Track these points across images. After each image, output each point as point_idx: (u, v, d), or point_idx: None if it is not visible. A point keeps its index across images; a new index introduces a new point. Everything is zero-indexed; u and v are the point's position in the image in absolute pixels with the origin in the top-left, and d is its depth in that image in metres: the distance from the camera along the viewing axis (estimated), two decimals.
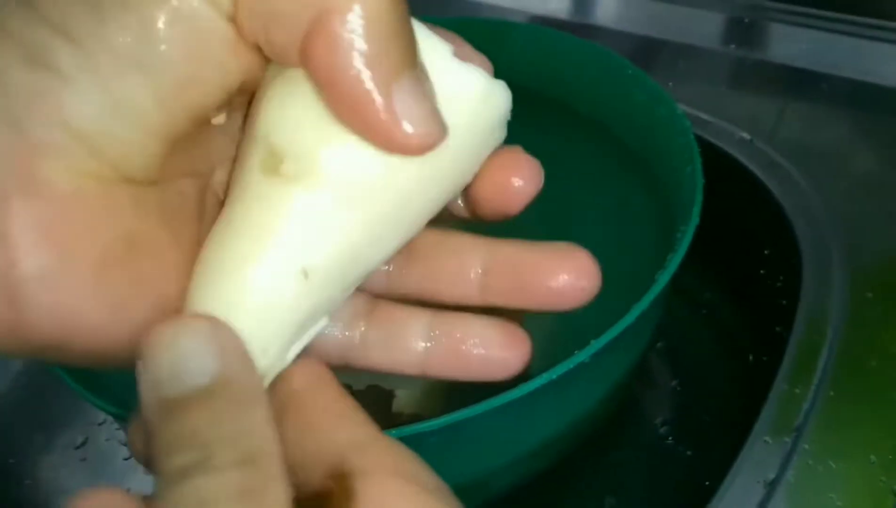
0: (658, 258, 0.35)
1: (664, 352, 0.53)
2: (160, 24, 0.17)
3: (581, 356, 0.30)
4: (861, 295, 0.40)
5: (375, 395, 0.47)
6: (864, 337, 0.37)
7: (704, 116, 0.53)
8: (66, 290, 0.17)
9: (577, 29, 0.66)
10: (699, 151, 0.39)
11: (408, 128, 0.19)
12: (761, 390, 0.36)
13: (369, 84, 0.18)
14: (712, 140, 0.52)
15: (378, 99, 0.18)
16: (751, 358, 0.48)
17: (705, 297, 0.55)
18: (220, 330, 0.18)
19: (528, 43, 0.53)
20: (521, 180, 0.24)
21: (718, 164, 0.50)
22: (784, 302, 0.42)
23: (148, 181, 0.19)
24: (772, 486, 0.32)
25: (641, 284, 0.32)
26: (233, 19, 0.18)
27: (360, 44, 0.18)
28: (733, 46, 0.62)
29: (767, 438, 0.33)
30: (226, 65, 0.18)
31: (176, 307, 0.19)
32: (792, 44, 0.61)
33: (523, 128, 0.52)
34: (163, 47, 0.17)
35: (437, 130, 0.19)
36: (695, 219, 0.35)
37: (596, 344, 0.30)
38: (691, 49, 0.62)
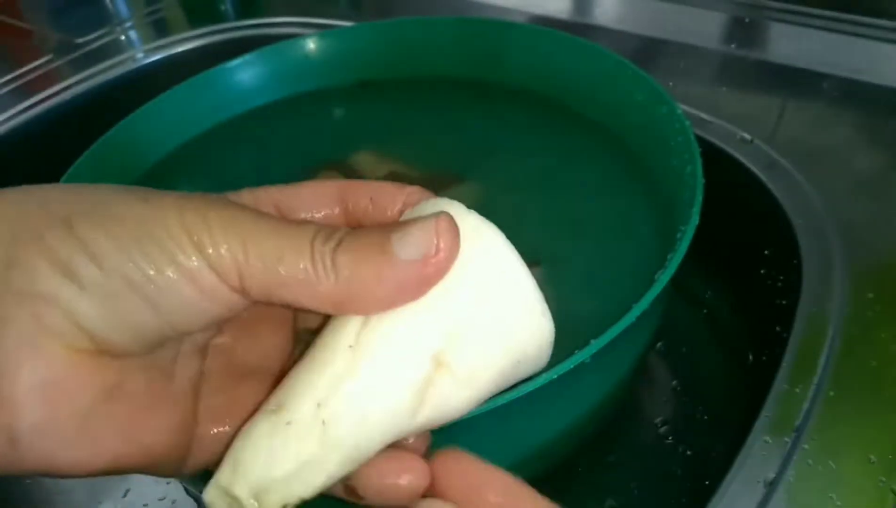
0: (659, 258, 0.35)
1: (664, 352, 0.53)
2: (168, 273, 0.22)
3: (581, 355, 0.30)
4: (861, 295, 0.40)
5: None
6: (864, 336, 0.37)
7: (705, 116, 0.54)
8: (54, 438, 0.21)
9: (578, 29, 0.66)
10: (699, 151, 0.39)
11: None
12: (761, 390, 0.36)
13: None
14: (712, 140, 0.52)
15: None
16: (751, 357, 0.48)
17: (706, 297, 0.55)
18: None
19: (529, 43, 0.53)
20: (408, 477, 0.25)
21: (719, 164, 0.50)
22: (784, 301, 0.42)
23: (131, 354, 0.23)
24: (772, 486, 0.31)
25: (642, 284, 0.32)
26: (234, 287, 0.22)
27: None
28: (734, 46, 0.62)
29: (767, 438, 0.33)
30: (213, 310, 0.23)
31: (147, 441, 0.23)
32: (792, 43, 0.61)
33: (522, 129, 0.52)
34: (165, 288, 0.22)
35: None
36: (695, 219, 0.35)
37: (596, 344, 0.30)
38: (692, 49, 0.62)
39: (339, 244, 0.23)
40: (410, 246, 0.23)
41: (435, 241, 0.23)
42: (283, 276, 0.22)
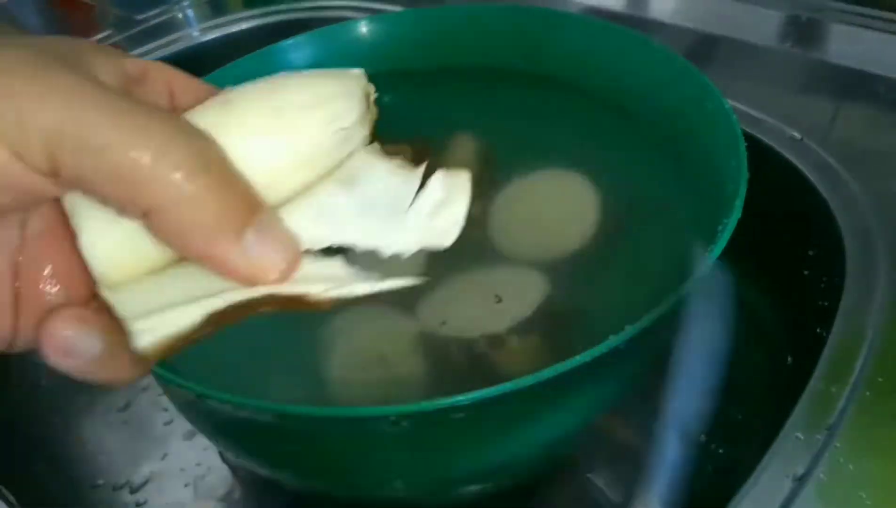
0: (700, 251, 0.35)
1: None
2: None
3: (615, 341, 0.30)
4: None
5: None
6: None
7: (756, 113, 0.53)
8: None
9: (632, 22, 0.66)
10: (745, 144, 0.38)
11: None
12: (798, 390, 0.36)
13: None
14: (761, 137, 0.51)
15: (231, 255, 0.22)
16: (789, 359, 0.47)
17: (746, 296, 0.55)
18: None
19: (578, 33, 0.53)
20: None
21: (766, 162, 0.50)
22: (826, 303, 0.42)
23: None
24: (801, 481, 0.31)
25: (681, 276, 0.32)
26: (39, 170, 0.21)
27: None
28: (789, 44, 0.61)
29: (799, 434, 0.33)
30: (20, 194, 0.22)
31: None
32: (849, 44, 0.60)
33: (566, 120, 0.52)
34: None
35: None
36: (737, 212, 0.34)
37: (631, 330, 0.30)
38: (746, 45, 0.61)
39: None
40: (260, 245, 0.22)
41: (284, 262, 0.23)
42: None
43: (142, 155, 0.20)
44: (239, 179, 0.23)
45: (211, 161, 0.22)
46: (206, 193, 0.21)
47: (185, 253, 0.22)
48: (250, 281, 0.23)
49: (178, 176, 0.21)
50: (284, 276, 0.23)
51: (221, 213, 0.22)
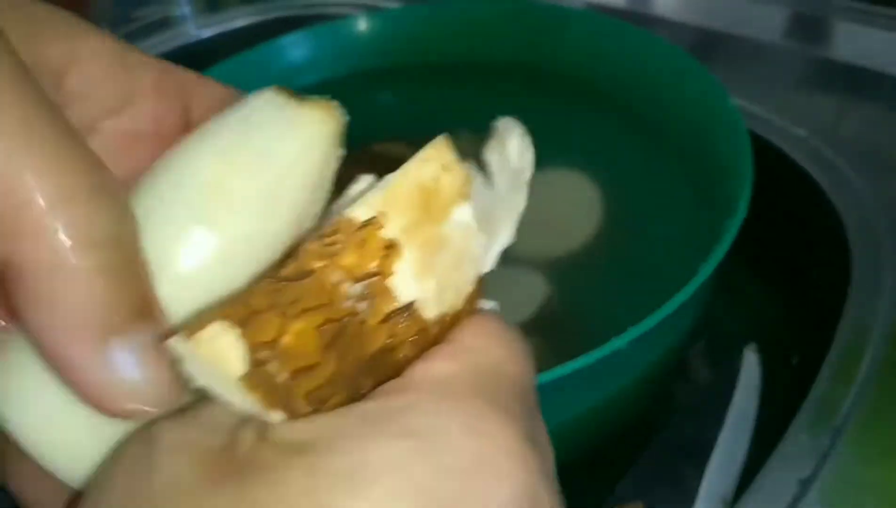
0: (705, 250, 0.34)
1: (707, 353, 0.52)
2: None
3: (618, 342, 0.30)
4: None
5: None
6: None
7: (761, 111, 0.52)
8: None
9: (636, 18, 0.65)
10: (750, 143, 0.38)
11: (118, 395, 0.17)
12: (802, 392, 0.36)
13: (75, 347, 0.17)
14: (766, 135, 0.51)
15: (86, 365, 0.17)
16: (794, 360, 0.47)
17: (752, 296, 0.54)
18: None
19: (582, 29, 0.52)
20: None
21: (772, 161, 0.49)
22: (832, 303, 0.42)
23: None
24: (806, 484, 0.31)
25: (686, 275, 0.32)
26: None
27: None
28: (795, 41, 0.60)
29: (804, 436, 0.33)
30: None
31: None
32: (854, 41, 0.59)
33: (570, 116, 0.52)
34: None
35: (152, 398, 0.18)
36: (742, 211, 0.34)
37: (635, 330, 0.30)
38: (751, 42, 0.61)
39: None
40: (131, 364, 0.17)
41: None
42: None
43: (35, 196, 0.16)
44: (144, 274, 0.18)
45: (121, 237, 0.17)
46: (96, 276, 0.16)
47: (33, 334, 0.17)
48: (96, 402, 0.17)
49: (68, 242, 0.16)
50: (137, 414, 0.18)
51: (107, 305, 0.17)
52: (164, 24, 0.78)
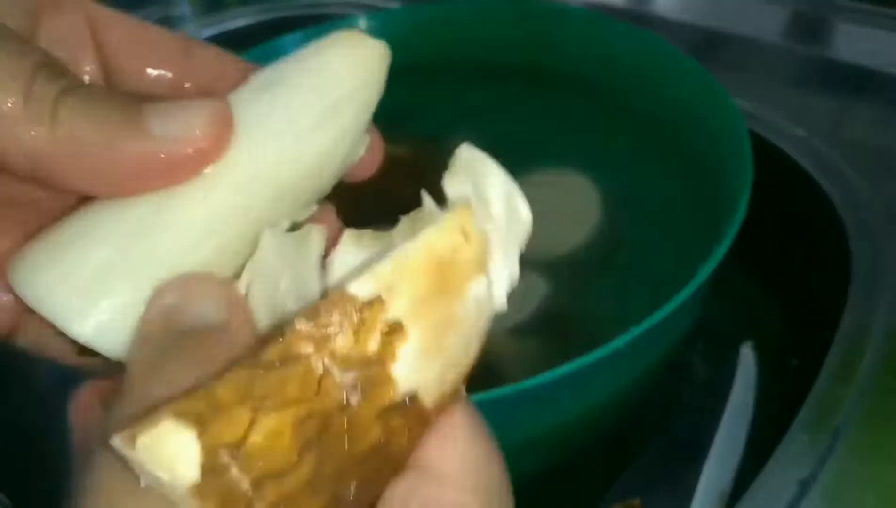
0: (704, 250, 0.34)
1: (706, 354, 0.52)
2: None
3: (617, 342, 0.30)
4: None
5: None
6: None
7: (761, 111, 0.52)
8: None
9: (636, 18, 0.65)
10: (750, 143, 0.38)
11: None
12: (802, 392, 0.36)
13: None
14: (767, 135, 0.51)
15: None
16: (794, 361, 0.47)
17: (751, 296, 0.54)
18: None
19: (582, 29, 0.52)
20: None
21: (771, 160, 0.49)
22: (832, 304, 0.41)
23: None
24: (806, 484, 0.31)
25: (685, 276, 0.32)
26: None
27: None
28: (795, 41, 0.60)
29: (805, 437, 0.33)
30: None
31: None
32: (855, 41, 0.59)
33: (569, 115, 0.52)
34: None
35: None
36: (741, 211, 0.34)
37: (635, 330, 0.30)
38: (752, 42, 0.61)
39: (66, 89, 0.17)
40: (170, 120, 0.18)
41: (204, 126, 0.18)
42: None
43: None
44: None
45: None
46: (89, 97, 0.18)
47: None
48: (173, 163, 0.18)
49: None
50: (219, 144, 0.18)
51: (110, 104, 0.18)
52: (164, 24, 0.77)
